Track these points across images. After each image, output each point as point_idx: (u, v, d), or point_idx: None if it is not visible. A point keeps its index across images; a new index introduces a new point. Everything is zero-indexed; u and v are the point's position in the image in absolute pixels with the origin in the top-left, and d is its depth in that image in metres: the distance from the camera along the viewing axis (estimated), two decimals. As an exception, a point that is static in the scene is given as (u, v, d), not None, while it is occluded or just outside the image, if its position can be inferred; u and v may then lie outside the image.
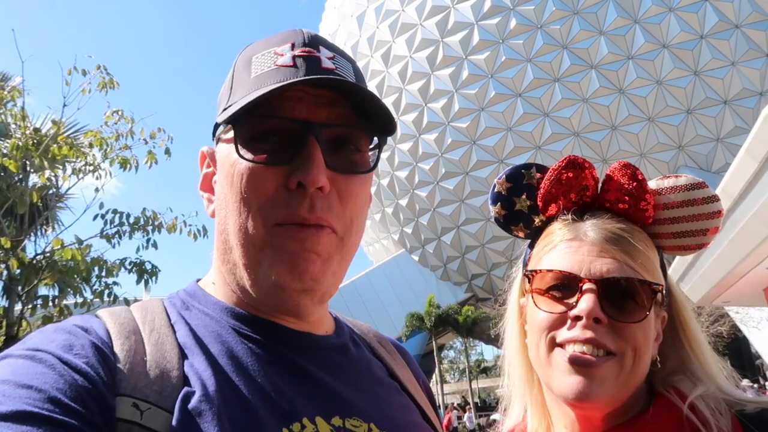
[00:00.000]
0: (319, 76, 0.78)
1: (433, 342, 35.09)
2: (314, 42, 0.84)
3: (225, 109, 0.82)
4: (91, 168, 6.46)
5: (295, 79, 0.76)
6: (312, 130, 0.78)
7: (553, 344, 0.96)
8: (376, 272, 38.53)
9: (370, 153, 0.86)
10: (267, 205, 0.78)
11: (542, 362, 0.98)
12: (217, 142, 0.88)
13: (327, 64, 0.82)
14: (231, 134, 0.81)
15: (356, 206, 0.84)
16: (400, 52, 36.48)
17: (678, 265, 11.88)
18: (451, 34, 34.97)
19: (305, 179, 0.76)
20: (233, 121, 0.80)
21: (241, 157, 0.78)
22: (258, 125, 0.79)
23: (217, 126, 0.87)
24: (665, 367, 1.01)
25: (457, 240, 37.07)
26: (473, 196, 35.38)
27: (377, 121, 0.84)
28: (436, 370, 38.39)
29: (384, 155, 38.28)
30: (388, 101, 36.00)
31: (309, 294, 0.80)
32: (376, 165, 0.87)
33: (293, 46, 0.82)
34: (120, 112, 6.49)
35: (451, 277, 39.05)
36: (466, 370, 42.08)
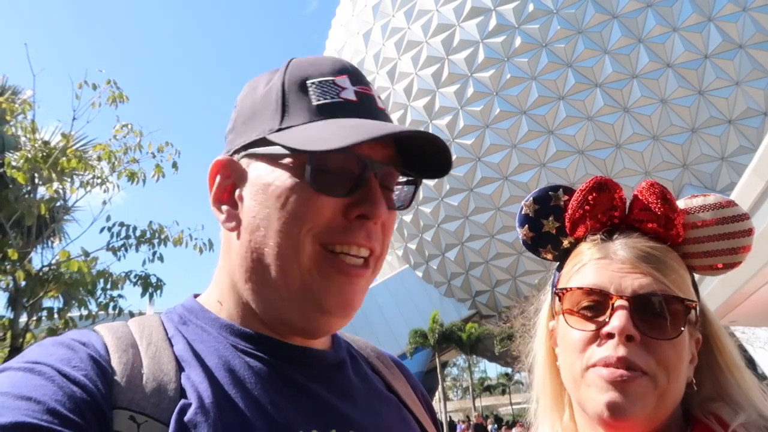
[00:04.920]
0: (411, 129, 0.80)
1: (437, 359, 34.85)
2: (360, 76, 0.89)
3: (281, 129, 0.82)
4: (99, 181, 6.51)
5: (395, 130, 0.78)
6: (373, 167, 0.82)
7: (587, 364, 0.95)
8: (379, 288, 38.40)
9: (411, 191, 0.92)
10: (322, 229, 0.80)
11: (576, 382, 0.97)
12: (246, 156, 0.86)
13: (380, 104, 0.88)
14: (290, 160, 0.81)
15: (390, 235, 0.89)
16: (406, 69, 36.77)
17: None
18: (456, 52, 35.26)
19: (371, 213, 0.81)
20: (313, 152, 0.79)
21: (310, 186, 0.80)
22: (327, 158, 0.80)
23: (258, 141, 0.84)
24: (702, 392, 0.99)
25: (461, 256, 36.98)
26: (478, 212, 35.37)
27: (425, 164, 0.88)
28: (439, 387, 38.05)
29: (389, 171, 38.28)
30: (393, 118, 35.99)
31: (346, 318, 0.84)
32: (411, 203, 0.92)
33: (351, 80, 0.86)
34: (129, 126, 6.56)
35: (455, 294, 38.88)
36: (470, 387, 41.71)
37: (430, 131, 0.82)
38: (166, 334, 0.82)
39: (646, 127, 32.56)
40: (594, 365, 0.93)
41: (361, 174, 0.82)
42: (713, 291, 10.89)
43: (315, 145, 0.77)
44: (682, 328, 0.94)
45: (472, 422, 33.48)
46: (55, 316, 6.17)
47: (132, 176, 6.51)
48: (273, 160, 0.83)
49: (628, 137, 32.65)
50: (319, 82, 0.84)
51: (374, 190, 0.82)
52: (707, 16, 32.14)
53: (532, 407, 1.16)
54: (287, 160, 0.82)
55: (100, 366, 0.71)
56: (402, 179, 0.90)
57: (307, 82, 0.84)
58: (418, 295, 38.39)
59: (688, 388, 0.97)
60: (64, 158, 6.14)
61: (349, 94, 0.84)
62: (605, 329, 0.93)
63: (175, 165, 6.75)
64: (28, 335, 5.93)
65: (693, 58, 32.09)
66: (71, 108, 6.36)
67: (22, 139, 6.57)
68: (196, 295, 0.93)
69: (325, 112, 0.82)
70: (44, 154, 6.18)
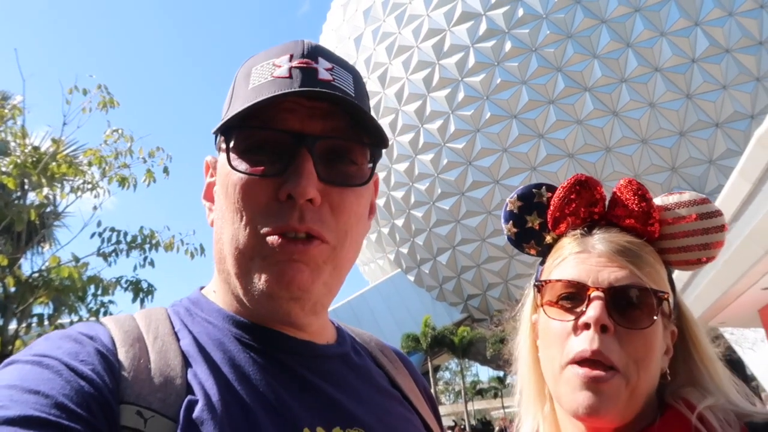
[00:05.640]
0: (308, 89, 0.78)
1: (429, 363, 34.83)
2: (313, 53, 0.84)
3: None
4: (90, 186, 6.48)
5: (284, 91, 0.77)
6: (304, 142, 0.78)
7: (565, 360, 0.98)
8: (371, 292, 38.37)
9: (368, 166, 0.86)
10: (258, 216, 0.79)
11: (554, 377, 1.00)
12: (219, 152, 0.89)
13: (324, 75, 0.82)
14: (224, 146, 0.82)
15: (350, 219, 0.83)
16: (397, 74, 36.84)
17: (673, 286, 11.88)
18: (447, 57, 35.39)
19: (294, 191, 0.76)
20: (225, 131, 0.81)
21: (233, 168, 0.79)
22: (251, 136, 0.80)
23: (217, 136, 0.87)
24: (675, 381, 1.03)
25: (453, 260, 37.03)
26: (469, 216, 35.45)
27: (372, 134, 0.84)
28: (432, 391, 38.03)
29: (380, 176, 38.50)
30: (384, 122, 36.26)
31: (298, 302, 0.80)
32: (370, 178, 0.86)
33: (291, 57, 0.82)
34: (120, 131, 6.53)
35: (447, 298, 38.91)
36: (462, 391, 41.72)
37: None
38: (173, 328, 0.81)
39: (635, 131, 32.83)
40: (571, 362, 0.96)
41: (293, 150, 0.79)
42: (702, 292, 10.99)
43: (220, 128, 0.81)
44: (655, 317, 0.97)
45: (461, 426, 33.43)
46: (46, 322, 6.14)
47: (123, 181, 6.48)
48: (222, 150, 0.85)
49: (617, 141, 32.90)
50: (260, 66, 0.84)
51: (299, 165, 0.77)
52: (694, 21, 32.50)
53: (516, 399, 1.19)
54: (223, 147, 0.84)
55: (108, 360, 0.71)
56: (362, 153, 0.85)
57: (252, 69, 0.84)
58: (410, 299, 38.37)
59: (662, 378, 1.01)
60: (54, 163, 6.10)
61: (283, 71, 0.81)
62: (582, 319, 0.96)
63: (166, 170, 6.72)
64: (18, 342, 5.88)
65: (681, 62, 32.43)
66: (61, 113, 6.34)
67: (12, 144, 6.53)
68: (202, 288, 0.93)
69: (255, 93, 0.79)
70: (34, 159, 6.14)
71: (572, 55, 33.19)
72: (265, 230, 0.78)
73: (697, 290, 11.18)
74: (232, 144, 0.81)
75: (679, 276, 11.67)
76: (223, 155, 0.84)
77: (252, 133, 0.80)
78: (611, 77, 32.79)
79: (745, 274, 8.89)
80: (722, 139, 32.43)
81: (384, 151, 0.90)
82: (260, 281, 0.78)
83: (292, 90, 0.77)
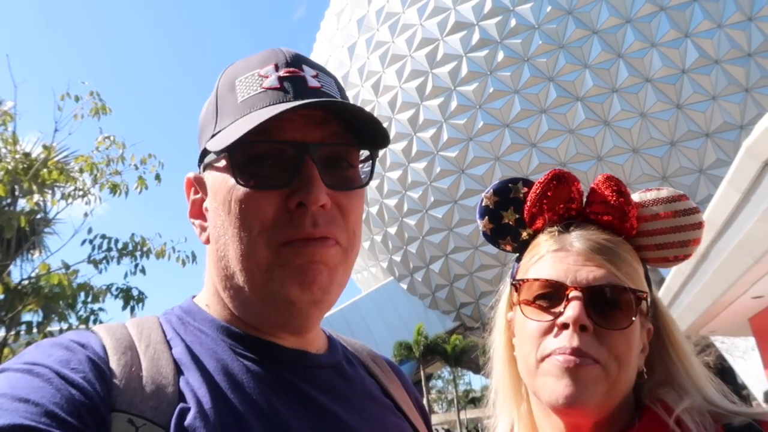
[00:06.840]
0: (314, 100, 0.79)
1: (422, 371, 34.72)
2: (296, 61, 0.85)
3: (213, 135, 0.83)
4: (81, 193, 6.43)
5: (292, 105, 0.77)
6: (308, 150, 0.79)
7: (543, 354, 0.96)
8: (364, 300, 38.28)
9: (361, 167, 0.87)
10: (269, 228, 0.78)
11: (531, 371, 0.98)
12: (204, 168, 0.88)
13: (312, 83, 0.83)
14: (223, 162, 0.81)
15: (358, 220, 0.86)
16: (390, 83, 36.99)
17: (664, 294, 11.96)
18: (440, 66, 35.59)
19: (307, 198, 0.77)
20: (229, 149, 0.80)
21: (240, 184, 0.79)
22: (252, 150, 0.79)
23: (204, 152, 0.87)
24: (653, 379, 1.02)
25: (446, 268, 37.03)
26: (462, 224, 35.51)
27: (368, 135, 0.85)
28: (424, 400, 37.86)
29: (373, 183, 38.67)
30: (377, 130, 36.30)
31: (318, 305, 0.81)
32: (370, 179, 0.88)
33: (276, 67, 0.83)
34: (111, 138, 6.49)
35: (440, 306, 38.87)
36: (455, 400, 41.59)
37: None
38: (165, 336, 0.81)
39: (626, 140, 33.09)
40: (549, 355, 0.94)
41: (296, 159, 0.80)
42: (693, 301, 11.04)
43: (221, 144, 0.79)
44: (633, 318, 0.96)
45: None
46: (34, 330, 6.06)
47: (114, 188, 6.43)
48: (214, 167, 0.85)
49: (608, 150, 33.14)
50: (245, 78, 0.84)
51: (307, 173, 0.78)
52: (684, 33, 32.89)
53: (491, 398, 1.17)
54: (221, 164, 0.83)
55: (99, 368, 0.70)
56: (363, 155, 0.87)
57: (236, 81, 0.84)
58: (402, 307, 38.31)
59: (638, 377, 1.00)
60: (45, 170, 6.06)
61: (272, 81, 0.82)
62: (560, 320, 0.95)
63: (158, 177, 6.67)
64: (6, 350, 5.81)
65: (671, 73, 32.77)
66: (53, 119, 6.30)
67: (3, 150, 6.47)
68: (194, 297, 0.93)
69: (248, 106, 0.80)
70: (25, 165, 6.09)
71: (564, 65, 33.46)
72: (279, 241, 0.78)
73: (687, 299, 11.23)
74: (234, 160, 0.80)
75: (670, 285, 11.72)
76: (217, 173, 0.83)
77: (253, 146, 0.79)
78: (603, 87, 33.08)
79: (735, 283, 8.94)
80: (712, 149, 32.75)
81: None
82: (282, 288, 0.78)
83: (299, 103, 0.77)
